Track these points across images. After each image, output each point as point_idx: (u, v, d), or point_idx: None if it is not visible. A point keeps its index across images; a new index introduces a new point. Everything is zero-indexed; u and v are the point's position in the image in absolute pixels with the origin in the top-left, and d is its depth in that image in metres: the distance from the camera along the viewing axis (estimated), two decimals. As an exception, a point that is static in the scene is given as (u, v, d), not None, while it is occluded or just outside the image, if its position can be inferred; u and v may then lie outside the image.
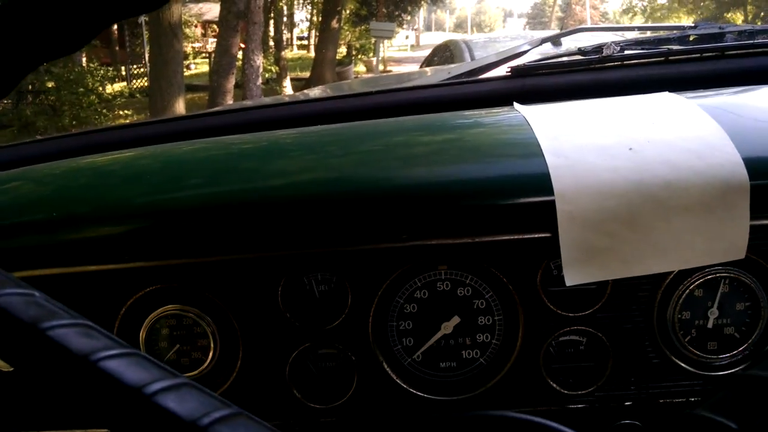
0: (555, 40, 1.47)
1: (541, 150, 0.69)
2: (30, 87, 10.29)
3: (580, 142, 0.70)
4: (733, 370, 0.76)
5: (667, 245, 0.66)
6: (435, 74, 1.71)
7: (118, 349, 0.32)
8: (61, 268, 0.73)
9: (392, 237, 0.72)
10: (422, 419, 0.78)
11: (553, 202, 0.66)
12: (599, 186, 0.65)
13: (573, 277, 0.67)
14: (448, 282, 0.77)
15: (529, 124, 0.75)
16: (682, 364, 0.76)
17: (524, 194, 0.68)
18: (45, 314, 0.33)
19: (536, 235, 0.70)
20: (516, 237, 0.71)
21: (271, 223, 0.71)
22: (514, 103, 0.85)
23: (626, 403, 0.77)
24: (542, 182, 0.67)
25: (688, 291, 0.75)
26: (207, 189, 0.74)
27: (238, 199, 0.71)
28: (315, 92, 2.34)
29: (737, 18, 24.51)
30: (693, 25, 1.21)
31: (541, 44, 1.33)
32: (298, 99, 1.34)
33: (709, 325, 0.76)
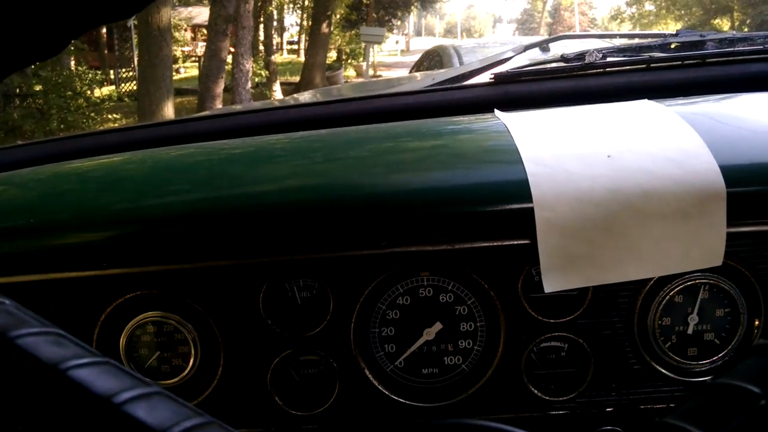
0: (540, 47, 1.48)
1: (520, 157, 0.70)
2: (17, 90, 10.21)
3: (560, 149, 0.70)
4: (713, 376, 0.77)
5: (645, 252, 0.67)
6: (423, 80, 1.71)
7: (88, 358, 0.32)
8: (41, 274, 0.73)
9: (374, 243, 0.72)
10: (403, 426, 0.78)
11: (532, 210, 0.66)
12: (578, 193, 0.66)
13: (552, 283, 0.68)
14: (430, 288, 0.77)
15: (509, 132, 0.75)
16: (663, 370, 0.77)
17: (504, 201, 0.68)
18: (15, 322, 0.33)
19: (517, 242, 0.70)
20: (497, 244, 0.71)
21: (254, 229, 0.71)
22: (495, 110, 0.85)
23: (607, 409, 0.77)
24: (521, 190, 0.67)
25: (668, 297, 0.75)
26: (190, 195, 0.73)
27: (221, 206, 0.71)
28: (304, 97, 2.34)
29: (724, 24, 24.76)
30: (674, 32, 1.22)
31: (524, 51, 1.34)
32: (287, 104, 1.34)
33: (689, 331, 0.77)
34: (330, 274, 0.75)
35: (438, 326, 0.77)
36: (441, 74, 1.34)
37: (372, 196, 0.70)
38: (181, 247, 0.72)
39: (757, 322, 0.76)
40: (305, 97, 2.29)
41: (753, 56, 1.00)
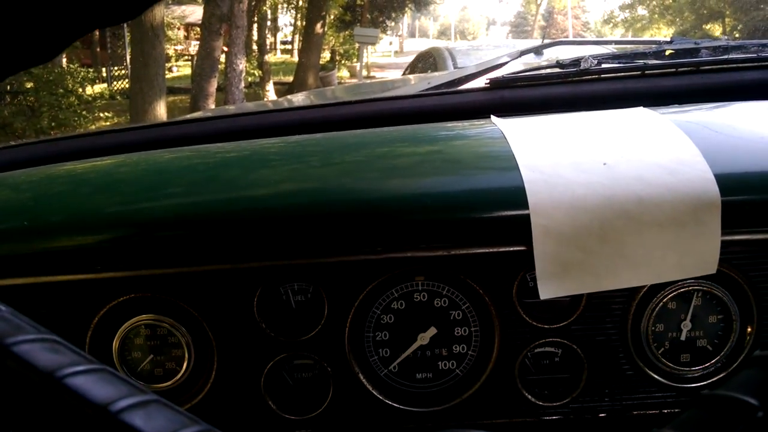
0: (534, 52, 1.49)
1: (517, 164, 0.70)
2: (8, 87, 10.14)
3: (556, 156, 0.70)
4: (705, 382, 0.77)
5: (640, 260, 0.67)
6: (417, 82, 1.71)
7: (84, 365, 0.32)
8: (33, 277, 0.72)
9: (370, 248, 0.72)
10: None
11: (528, 216, 0.66)
12: (573, 201, 0.66)
13: (547, 290, 0.68)
14: (425, 293, 0.77)
15: (505, 138, 0.75)
16: (656, 376, 0.77)
17: (500, 208, 0.68)
18: (10, 329, 0.33)
19: (512, 248, 0.70)
20: (492, 250, 0.71)
21: (249, 233, 0.71)
22: (492, 116, 0.85)
23: (600, 415, 0.77)
24: (518, 196, 0.67)
25: (661, 304, 0.76)
26: (184, 199, 0.73)
27: (216, 210, 0.71)
28: (298, 98, 2.34)
29: (715, 30, 24.92)
30: (669, 40, 1.23)
31: (520, 56, 1.34)
32: (282, 107, 1.33)
33: (682, 337, 0.77)
34: (325, 278, 0.75)
35: (432, 331, 0.77)
36: (436, 78, 1.34)
37: (368, 201, 0.70)
38: (176, 251, 0.72)
39: (749, 329, 0.76)
40: (300, 99, 2.29)
41: (747, 64, 1.01)
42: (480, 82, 1.14)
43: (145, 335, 0.77)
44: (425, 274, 0.76)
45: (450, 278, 0.77)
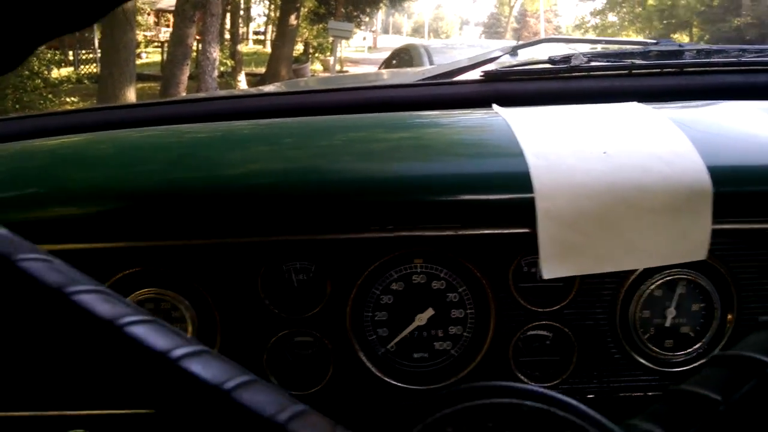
0: (510, 53, 1.52)
1: (521, 150, 0.73)
2: (-29, 67, 9.84)
3: (559, 144, 0.73)
4: (687, 367, 0.81)
5: (636, 244, 0.70)
6: (393, 77, 1.73)
7: (140, 316, 0.33)
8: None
9: (373, 227, 0.74)
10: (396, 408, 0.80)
11: (532, 200, 0.69)
12: (576, 186, 0.69)
13: (550, 271, 0.71)
14: (423, 275, 0.79)
15: (509, 126, 0.78)
16: (642, 360, 0.80)
17: (505, 191, 0.71)
18: (67, 280, 0.34)
19: (513, 231, 0.73)
20: (495, 231, 0.74)
21: (253, 207, 0.71)
22: (494, 105, 0.88)
23: (588, 396, 0.81)
24: (523, 180, 0.70)
25: (648, 291, 0.79)
26: (175, 174, 0.73)
27: (206, 185, 0.72)
28: (271, 89, 2.33)
29: (683, 39, 25.47)
30: (655, 41, 1.27)
31: (512, 51, 1.37)
32: (279, 91, 1.34)
33: (667, 324, 0.81)
34: (327, 257, 0.76)
35: (430, 312, 0.79)
36: (429, 70, 1.37)
37: (374, 181, 0.72)
38: (177, 224, 0.73)
39: (730, 317, 0.80)
40: (272, 89, 2.28)
41: (728, 68, 1.05)
42: (472, 75, 1.17)
43: (149, 309, 0.77)
44: (424, 256, 0.79)
45: (448, 261, 0.79)
